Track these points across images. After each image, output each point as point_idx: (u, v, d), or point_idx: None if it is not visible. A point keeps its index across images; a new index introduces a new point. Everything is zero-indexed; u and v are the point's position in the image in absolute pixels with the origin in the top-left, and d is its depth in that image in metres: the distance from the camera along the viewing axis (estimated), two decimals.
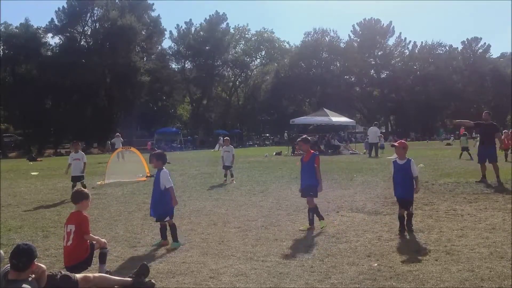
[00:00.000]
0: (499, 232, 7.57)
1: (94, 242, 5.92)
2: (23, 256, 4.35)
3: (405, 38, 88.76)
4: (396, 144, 8.43)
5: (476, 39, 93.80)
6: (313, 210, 8.37)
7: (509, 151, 21.76)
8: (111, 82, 65.43)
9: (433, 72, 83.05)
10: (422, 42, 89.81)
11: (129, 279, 5.55)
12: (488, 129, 13.97)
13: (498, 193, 11.64)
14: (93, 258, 5.95)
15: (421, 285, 5.27)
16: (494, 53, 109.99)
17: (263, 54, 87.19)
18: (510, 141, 22.58)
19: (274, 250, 6.81)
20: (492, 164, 13.62)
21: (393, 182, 8.17)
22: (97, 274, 5.46)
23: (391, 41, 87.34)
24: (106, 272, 5.83)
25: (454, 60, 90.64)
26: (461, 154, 23.94)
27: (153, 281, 5.61)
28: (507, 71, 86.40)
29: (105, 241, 6.10)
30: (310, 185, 8.50)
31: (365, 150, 34.83)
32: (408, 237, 7.55)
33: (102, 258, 6.04)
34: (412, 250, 6.74)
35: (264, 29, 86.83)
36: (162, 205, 7.52)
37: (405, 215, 7.84)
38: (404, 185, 7.92)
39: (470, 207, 9.95)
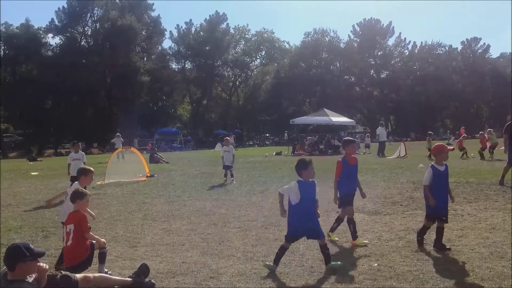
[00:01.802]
0: (499, 232, 7.58)
1: (94, 241, 5.93)
2: (8, 256, 4.38)
3: (405, 38, 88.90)
4: (450, 147, 7.39)
5: (476, 39, 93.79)
6: (352, 221, 7.41)
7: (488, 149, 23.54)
8: (111, 82, 65.53)
9: (433, 72, 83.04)
10: (421, 42, 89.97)
11: (129, 279, 5.55)
12: None
13: (499, 193, 11.65)
14: (93, 258, 5.96)
15: (421, 285, 5.27)
16: (494, 53, 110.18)
17: (263, 54, 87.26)
18: (486, 142, 23.85)
19: (274, 250, 6.81)
20: None
21: (431, 191, 6.85)
22: (97, 274, 5.46)
23: (391, 41, 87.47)
24: (105, 272, 5.83)
25: (454, 61, 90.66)
26: (463, 154, 24.30)
27: (153, 281, 5.61)
28: (507, 71, 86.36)
29: (105, 241, 6.11)
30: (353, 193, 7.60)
31: (364, 150, 34.94)
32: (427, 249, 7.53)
33: (102, 258, 6.05)
34: (412, 250, 6.74)
35: (264, 29, 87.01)
36: None
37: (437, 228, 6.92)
38: (444, 195, 6.94)
39: (470, 207, 9.95)
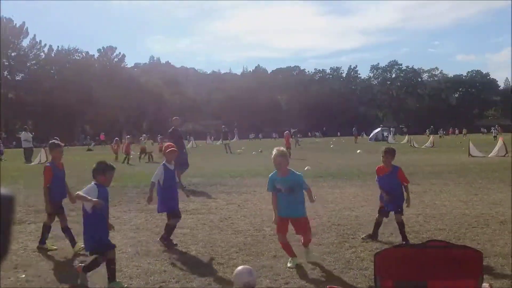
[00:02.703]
0: (143, 231, 8.25)
1: None
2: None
3: (41, 41, 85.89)
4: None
5: (112, 48, 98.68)
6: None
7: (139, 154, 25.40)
8: None
9: (71, 77, 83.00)
10: (58, 46, 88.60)
11: None
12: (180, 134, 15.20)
13: (140, 195, 12.65)
14: None
15: None
16: (129, 63, 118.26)
17: None
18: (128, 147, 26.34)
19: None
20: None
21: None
22: None
23: (26, 43, 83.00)
24: None
25: (92, 67, 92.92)
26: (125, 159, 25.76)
27: None
28: (141, 80, 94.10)
29: None
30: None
31: None
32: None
33: None
34: (61, 256, 6.66)
35: None
36: None
37: None
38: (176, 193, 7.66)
39: (114, 210, 10.43)
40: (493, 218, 8.46)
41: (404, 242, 6.68)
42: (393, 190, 7.01)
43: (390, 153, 7.04)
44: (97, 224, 5.35)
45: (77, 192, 5.43)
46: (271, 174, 6.12)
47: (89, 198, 5.20)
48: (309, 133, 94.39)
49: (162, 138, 30.37)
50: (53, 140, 7.57)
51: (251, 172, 18.57)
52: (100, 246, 5.33)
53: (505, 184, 12.87)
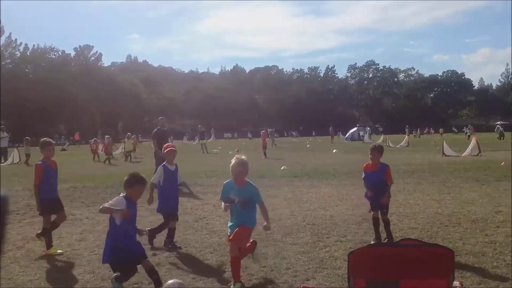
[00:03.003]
0: None
1: None
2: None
3: (16, 39, 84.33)
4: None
5: (88, 47, 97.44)
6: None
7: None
8: None
9: (47, 76, 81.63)
10: (34, 45, 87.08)
11: None
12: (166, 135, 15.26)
13: (115, 195, 12.48)
14: None
15: None
16: (106, 62, 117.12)
17: None
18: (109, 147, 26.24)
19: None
20: None
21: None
22: None
23: (1, 41, 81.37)
24: None
25: (68, 66, 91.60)
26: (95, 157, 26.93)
27: None
28: (118, 79, 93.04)
29: None
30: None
31: None
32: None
33: None
34: (32, 259, 6.51)
35: None
36: None
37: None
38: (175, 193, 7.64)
39: (88, 211, 10.29)
40: (465, 217, 8.58)
41: (387, 240, 6.75)
42: (379, 187, 6.98)
43: (377, 150, 7.04)
44: (126, 235, 5.02)
45: (103, 205, 5.08)
46: (226, 181, 5.76)
47: (116, 208, 4.90)
48: (285, 133, 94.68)
49: (129, 135, 30.26)
50: (44, 138, 7.31)
51: (227, 172, 18.43)
52: (130, 258, 5.00)
53: (478, 183, 13.10)
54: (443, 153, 24.49)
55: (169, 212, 7.24)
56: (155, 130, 14.91)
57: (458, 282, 4.77)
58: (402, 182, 13.65)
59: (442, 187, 12.58)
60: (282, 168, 18.73)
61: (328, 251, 6.52)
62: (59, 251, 6.86)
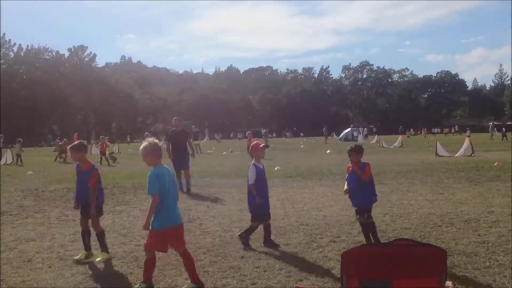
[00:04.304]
0: (110, 233, 7.98)
1: None
2: None
3: (10, 40, 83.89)
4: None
5: (83, 48, 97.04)
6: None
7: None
8: None
9: (41, 77, 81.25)
10: (28, 45, 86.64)
11: None
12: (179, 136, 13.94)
13: (109, 196, 12.43)
14: None
15: None
16: (100, 62, 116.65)
17: None
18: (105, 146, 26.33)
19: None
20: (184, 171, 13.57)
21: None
22: None
23: None
24: None
25: (62, 67, 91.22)
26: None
27: None
28: (112, 80, 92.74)
29: None
30: None
31: None
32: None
33: None
34: (24, 260, 6.47)
35: None
36: None
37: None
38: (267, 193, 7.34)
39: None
40: (457, 217, 8.61)
41: (373, 242, 6.70)
42: (359, 187, 6.86)
43: (353, 150, 6.83)
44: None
45: None
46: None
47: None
48: (275, 133, 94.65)
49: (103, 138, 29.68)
50: (80, 141, 7.21)
51: (220, 172, 18.53)
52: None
53: (471, 184, 13.15)
54: (436, 154, 24.58)
55: (263, 211, 7.04)
56: (171, 130, 14.47)
57: (451, 282, 4.79)
58: (395, 183, 13.70)
59: (435, 188, 12.61)
60: (276, 168, 18.73)
61: (322, 251, 6.51)
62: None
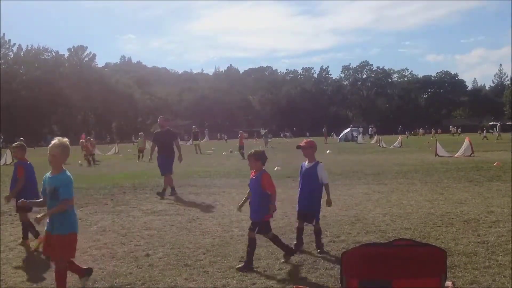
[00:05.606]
0: (110, 233, 8.08)
1: None
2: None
3: (10, 40, 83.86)
4: (302, 144, 7.16)
5: (82, 48, 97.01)
6: None
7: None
8: None
9: (40, 77, 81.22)
10: (28, 45, 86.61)
11: None
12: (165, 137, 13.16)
13: (107, 197, 12.44)
14: None
15: None
16: (100, 62, 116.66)
17: None
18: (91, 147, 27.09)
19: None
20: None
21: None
22: None
23: None
24: None
25: (61, 67, 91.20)
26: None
27: None
28: (111, 80, 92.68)
29: None
30: None
31: None
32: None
33: None
34: (24, 260, 6.48)
35: None
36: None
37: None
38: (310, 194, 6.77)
39: (81, 212, 10.22)
40: (457, 217, 8.61)
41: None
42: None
43: (252, 156, 6.35)
44: None
45: None
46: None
47: None
48: (272, 134, 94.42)
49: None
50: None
51: (220, 172, 18.53)
52: None
53: (470, 184, 13.15)
54: (436, 154, 24.56)
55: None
56: (156, 131, 13.87)
57: (450, 282, 4.78)
58: (395, 183, 13.70)
59: (435, 188, 12.61)
60: (275, 168, 18.71)
61: (321, 251, 6.52)
62: None
